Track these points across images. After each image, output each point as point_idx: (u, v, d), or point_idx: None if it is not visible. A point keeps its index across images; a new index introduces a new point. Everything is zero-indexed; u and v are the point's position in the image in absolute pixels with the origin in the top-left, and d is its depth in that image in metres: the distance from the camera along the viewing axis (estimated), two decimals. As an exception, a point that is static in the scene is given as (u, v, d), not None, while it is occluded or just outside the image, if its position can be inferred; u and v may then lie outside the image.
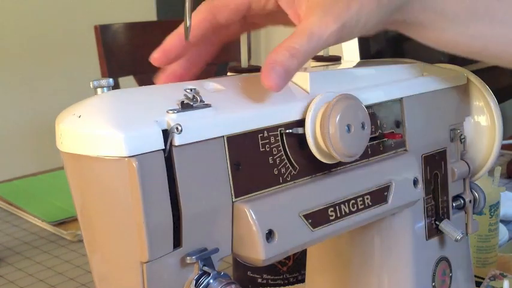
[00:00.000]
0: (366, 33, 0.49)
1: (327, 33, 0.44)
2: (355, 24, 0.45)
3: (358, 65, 0.60)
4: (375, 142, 0.52)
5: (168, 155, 0.39)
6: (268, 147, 0.44)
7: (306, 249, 0.62)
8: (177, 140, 0.39)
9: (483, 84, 0.60)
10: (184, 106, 0.40)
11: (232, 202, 0.42)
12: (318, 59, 0.60)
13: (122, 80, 1.70)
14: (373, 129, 0.51)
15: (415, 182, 0.53)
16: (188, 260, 0.40)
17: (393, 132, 0.53)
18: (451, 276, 0.59)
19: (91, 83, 0.41)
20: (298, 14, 0.46)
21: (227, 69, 0.60)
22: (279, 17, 0.50)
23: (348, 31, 0.45)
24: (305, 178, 0.47)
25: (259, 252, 0.42)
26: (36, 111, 2.41)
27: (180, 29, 0.48)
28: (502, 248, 0.84)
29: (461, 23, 0.50)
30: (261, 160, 0.44)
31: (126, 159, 0.37)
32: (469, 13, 0.50)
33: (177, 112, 0.40)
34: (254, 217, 0.42)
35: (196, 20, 0.48)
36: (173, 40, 0.49)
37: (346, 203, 0.48)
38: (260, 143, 0.44)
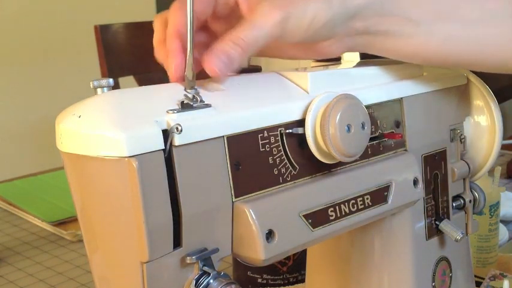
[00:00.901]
0: (320, 38, 0.48)
1: (269, 24, 0.45)
2: (301, 17, 0.46)
3: (358, 65, 0.60)
4: (374, 142, 0.52)
5: (168, 155, 0.39)
6: (268, 147, 0.44)
7: (306, 249, 0.62)
8: (177, 140, 0.39)
9: (483, 84, 0.60)
10: (184, 106, 0.40)
11: (232, 202, 0.42)
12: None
13: (122, 80, 1.70)
14: (373, 129, 0.51)
15: (415, 182, 0.53)
16: (188, 260, 0.40)
17: (393, 132, 0.53)
18: (451, 276, 0.59)
19: (91, 83, 0.41)
20: (250, 7, 0.48)
21: (227, 69, 0.60)
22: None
23: (294, 24, 0.46)
24: (305, 178, 0.47)
25: (259, 252, 0.42)
26: (36, 111, 2.41)
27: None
28: (502, 248, 0.84)
29: (428, 26, 0.48)
30: (261, 160, 0.44)
31: (126, 159, 0.37)
32: (434, 14, 0.48)
33: (177, 112, 0.40)
34: (254, 217, 0.42)
35: (178, 16, 0.47)
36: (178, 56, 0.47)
37: (346, 203, 0.48)
38: (260, 143, 0.44)
